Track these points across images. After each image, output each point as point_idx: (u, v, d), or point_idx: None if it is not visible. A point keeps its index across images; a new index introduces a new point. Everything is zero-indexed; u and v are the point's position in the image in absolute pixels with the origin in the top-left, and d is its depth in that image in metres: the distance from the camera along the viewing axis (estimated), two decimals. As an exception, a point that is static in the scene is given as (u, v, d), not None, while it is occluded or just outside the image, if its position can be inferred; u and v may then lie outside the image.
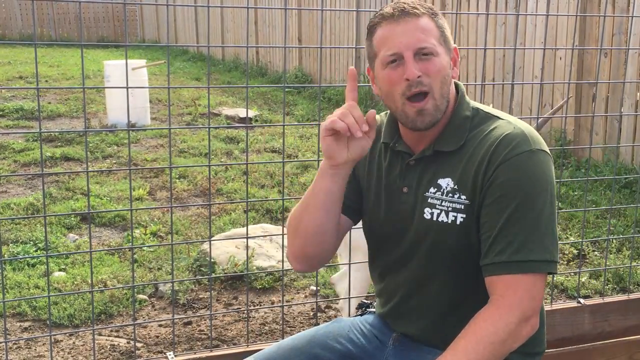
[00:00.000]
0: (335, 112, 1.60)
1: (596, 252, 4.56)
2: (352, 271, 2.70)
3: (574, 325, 2.50)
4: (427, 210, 1.64)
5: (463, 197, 1.60)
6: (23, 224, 4.92)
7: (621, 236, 4.65)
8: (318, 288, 3.37)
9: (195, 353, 2.26)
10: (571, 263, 4.41)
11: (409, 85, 1.58)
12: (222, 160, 6.94)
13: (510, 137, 1.57)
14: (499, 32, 7.33)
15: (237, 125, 8.48)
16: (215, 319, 3.67)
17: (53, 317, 3.55)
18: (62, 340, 3.44)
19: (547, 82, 6.70)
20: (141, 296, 3.88)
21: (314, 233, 1.70)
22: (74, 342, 3.42)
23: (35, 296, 3.78)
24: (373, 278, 1.87)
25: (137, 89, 7.94)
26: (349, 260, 2.60)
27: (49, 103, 9.54)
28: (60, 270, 4.19)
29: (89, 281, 3.93)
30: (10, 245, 4.52)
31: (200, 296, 3.93)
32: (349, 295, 2.81)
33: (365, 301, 1.99)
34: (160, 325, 3.62)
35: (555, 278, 3.83)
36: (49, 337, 2.24)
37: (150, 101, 9.08)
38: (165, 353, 2.97)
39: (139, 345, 3.40)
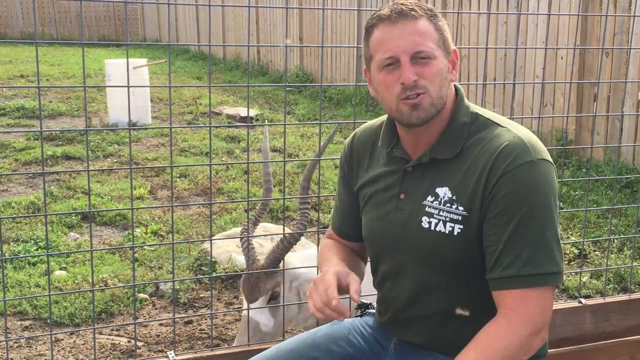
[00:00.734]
0: (314, 299, 1.57)
1: (597, 252, 4.55)
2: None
3: (575, 325, 2.49)
4: (424, 219, 1.62)
5: (460, 208, 1.57)
6: (24, 222, 4.92)
7: (622, 236, 4.64)
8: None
9: (196, 352, 2.26)
10: (572, 263, 4.41)
11: (405, 89, 1.55)
12: (223, 159, 6.94)
13: (510, 147, 1.54)
14: (500, 31, 7.32)
15: (238, 124, 8.48)
16: (216, 318, 3.67)
17: (54, 316, 3.55)
18: (62, 339, 3.43)
19: (549, 81, 6.69)
20: (142, 295, 3.88)
21: None
22: (74, 341, 3.42)
23: (36, 295, 3.78)
24: (374, 286, 1.85)
25: (138, 88, 7.94)
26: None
27: (50, 102, 9.54)
28: (61, 269, 4.19)
29: (90, 280, 3.93)
30: (11, 244, 4.52)
31: (201, 295, 3.92)
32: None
33: (365, 301, 1.96)
34: (160, 324, 3.62)
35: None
36: (49, 336, 2.24)
37: (151, 100, 9.09)
38: (165, 352, 2.96)
39: (139, 344, 3.40)
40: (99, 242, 4.68)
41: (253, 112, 9.11)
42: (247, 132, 2.30)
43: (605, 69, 6.20)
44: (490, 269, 1.55)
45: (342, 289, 1.61)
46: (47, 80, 11.30)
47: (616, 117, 6.06)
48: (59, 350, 3.32)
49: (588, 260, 4.45)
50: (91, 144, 7.20)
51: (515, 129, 1.60)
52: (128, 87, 1.96)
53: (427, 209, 1.62)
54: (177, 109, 9.41)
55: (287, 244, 2.61)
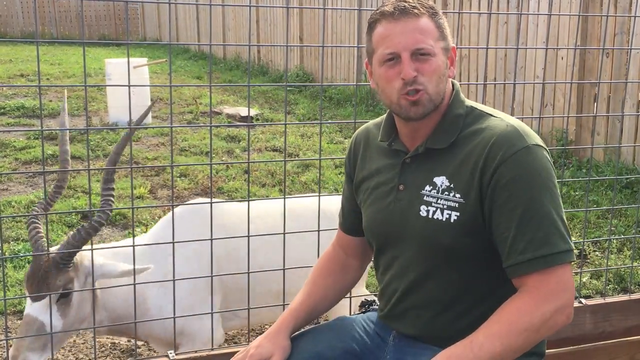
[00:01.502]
0: None
1: (597, 252, 4.55)
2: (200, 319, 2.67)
3: (575, 325, 2.49)
4: (423, 207, 1.66)
5: (457, 195, 1.61)
6: (24, 221, 4.92)
7: (622, 236, 4.64)
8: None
9: (195, 351, 2.26)
10: (572, 263, 4.41)
11: (405, 84, 1.61)
12: (223, 159, 6.94)
13: (504, 135, 1.59)
14: (500, 31, 7.32)
15: (238, 124, 8.48)
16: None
17: (54, 315, 3.55)
18: (62, 338, 3.44)
19: (549, 82, 6.69)
20: (142, 294, 3.87)
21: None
22: (74, 340, 3.42)
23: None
24: (377, 280, 1.89)
25: (138, 87, 7.94)
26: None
27: (50, 101, 9.54)
28: (61, 268, 4.19)
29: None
30: (12, 243, 4.52)
31: (201, 295, 3.92)
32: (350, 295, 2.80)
33: (368, 299, 2.00)
34: (161, 324, 3.61)
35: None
36: (50, 335, 2.25)
37: (152, 99, 9.09)
38: (165, 351, 2.96)
39: (139, 343, 3.40)
40: (100, 241, 4.68)
41: (253, 112, 9.11)
42: (248, 131, 2.30)
43: (605, 69, 6.20)
44: (506, 256, 1.58)
45: None
46: (47, 79, 11.31)
47: (616, 117, 6.06)
48: (59, 349, 3.32)
49: (588, 260, 4.45)
50: (91, 143, 7.20)
51: (507, 118, 1.65)
52: (129, 86, 1.97)
53: (425, 198, 1.66)
54: (177, 109, 9.42)
55: (84, 234, 2.31)
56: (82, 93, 9.89)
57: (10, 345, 3.33)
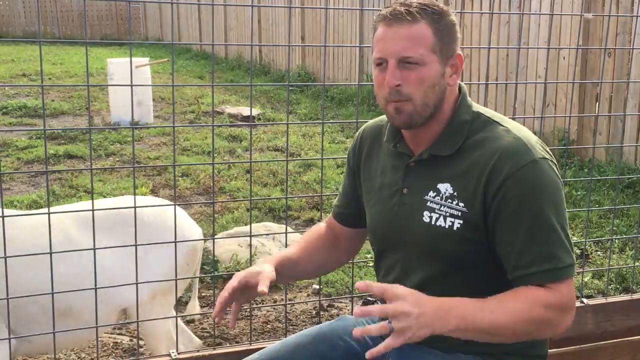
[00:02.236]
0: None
1: (599, 252, 4.55)
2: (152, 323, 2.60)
3: (577, 325, 2.49)
4: (426, 213, 1.65)
5: (461, 204, 1.60)
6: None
7: (624, 236, 4.64)
8: (320, 287, 3.36)
9: (197, 351, 2.26)
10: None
11: (389, 91, 1.59)
12: (225, 158, 6.94)
13: (511, 149, 1.57)
14: (502, 31, 7.32)
15: (241, 123, 8.48)
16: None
17: (56, 315, 3.55)
18: (65, 338, 3.44)
19: (551, 81, 6.69)
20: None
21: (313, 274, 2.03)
22: (76, 340, 3.43)
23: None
24: (378, 282, 1.87)
25: (141, 87, 7.94)
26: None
27: (53, 101, 9.55)
28: (63, 267, 4.19)
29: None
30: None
31: (203, 294, 3.93)
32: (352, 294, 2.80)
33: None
34: (163, 323, 3.62)
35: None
36: (52, 334, 2.25)
37: (154, 99, 9.09)
38: (167, 350, 2.97)
39: (141, 342, 3.40)
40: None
41: (255, 112, 9.11)
42: (250, 131, 2.30)
43: (607, 69, 6.20)
44: (511, 269, 1.58)
45: (251, 287, 1.68)
46: (50, 79, 11.32)
47: (618, 117, 6.06)
48: (61, 349, 3.32)
49: (590, 260, 4.45)
50: (93, 142, 7.21)
51: (515, 130, 1.63)
52: (131, 86, 1.97)
53: (428, 204, 1.65)
54: (179, 108, 9.42)
55: None
56: (85, 93, 9.90)
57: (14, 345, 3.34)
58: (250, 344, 2.37)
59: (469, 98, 1.70)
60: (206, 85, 2.57)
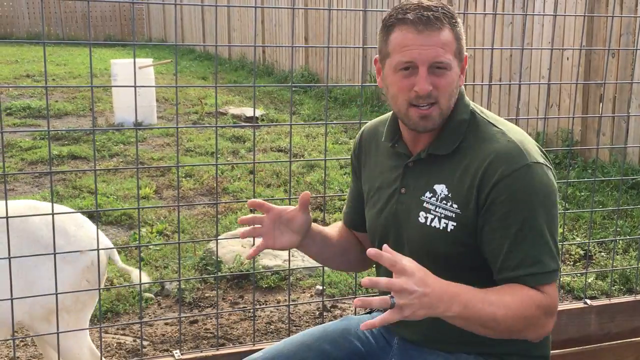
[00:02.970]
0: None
1: (603, 253, 4.55)
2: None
3: (581, 326, 2.49)
4: (422, 214, 1.66)
5: (455, 206, 1.62)
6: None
7: (628, 237, 4.64)
8: (324, 287, 3.37)
9: (201, 351, 2.27)
10: (578, 264, 4.40)
11: (418, 97, 1.58)
12: (228, 159, 6.95)
13: (504, 152, 1.58)
14: (506, 32, 7.32)
15: (244, 124, 8.49)
16: (221, 317, 3.68)
17: (60, 315, 3.56)
18: (68, 338, 3.44)
19: (555, 82, 6.68)
20: (147, 295, 3.89)
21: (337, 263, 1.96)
22: (80, 340, 3.43)
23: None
24: None
25: (144, 88, 7.96)
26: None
27: (56, 101, 9.57)
28: (67, 268, 4.20)
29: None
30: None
31: (207, 295, 3.93)
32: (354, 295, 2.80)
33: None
34: (166, 324, 3.63)
35: (561, 279, 3.83)
36: (56, 335, 2.26)
37: (157, 100, 9.10)
38: (171, 351, 2.97)
39: (145, 343, 3.41)
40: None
41: (259, 112, 9.12)
42: (253, 132, 2.31)
43: (611, 69, 6.19)
44: (497, 271, 1.59)
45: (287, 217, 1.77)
46: (53, 80, 11.34)
47: (622, 118, 6.04)
48: None
49: (594, 261, 4.44)
50: (97, 143, 7.22)
51: (509, 132, 1.64)
52: (135, 87, 1.97)
53: (424, 204, 1.66)
54: (182, 109, 9.43)
55: None
56: (88, 94, 9.92)
57: (17, 345, 3.35)
58: (254, 344, 2.37)
59: (466, 97, 1.71)
60: (210, 86, 2.58)
